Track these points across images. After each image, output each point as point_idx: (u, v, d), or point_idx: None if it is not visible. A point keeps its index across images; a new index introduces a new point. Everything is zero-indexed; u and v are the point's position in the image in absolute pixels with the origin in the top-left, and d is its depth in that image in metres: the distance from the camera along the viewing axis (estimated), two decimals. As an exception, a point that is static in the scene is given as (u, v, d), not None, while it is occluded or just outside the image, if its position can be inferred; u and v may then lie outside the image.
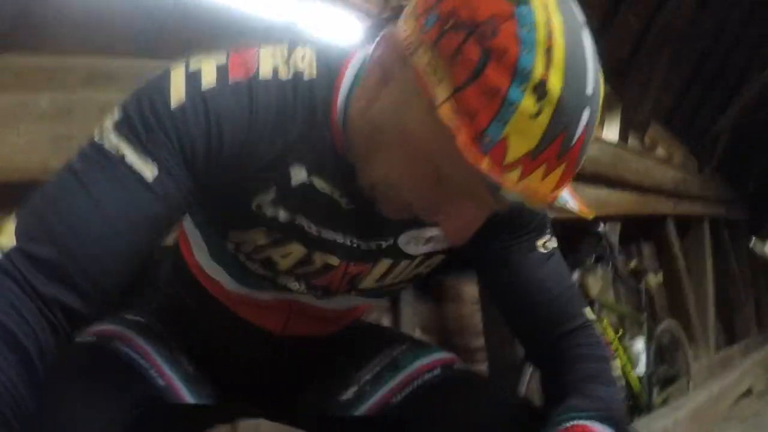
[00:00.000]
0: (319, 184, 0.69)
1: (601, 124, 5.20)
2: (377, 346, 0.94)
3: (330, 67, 0.68)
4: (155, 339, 0.83)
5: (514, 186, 0.55)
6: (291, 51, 0.68)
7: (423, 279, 0.88)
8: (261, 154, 0.66)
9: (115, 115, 0.63)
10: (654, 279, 3.13)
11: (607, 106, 5.06)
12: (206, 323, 0.89)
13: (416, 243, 0.78)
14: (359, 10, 3.67)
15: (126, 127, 0.61)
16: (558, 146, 0.55)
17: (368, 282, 0.81)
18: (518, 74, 0.52)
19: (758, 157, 6.91)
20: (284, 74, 0.66)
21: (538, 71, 0.52)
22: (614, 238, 3.74)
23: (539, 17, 0.52)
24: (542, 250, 0.83)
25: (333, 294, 0.82)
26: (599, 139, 3.75)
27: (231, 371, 0.91)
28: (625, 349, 2.88)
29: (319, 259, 0.75)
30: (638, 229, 4.40)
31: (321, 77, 0.67)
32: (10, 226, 0.57)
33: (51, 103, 1.61)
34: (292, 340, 0.89)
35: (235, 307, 0.85)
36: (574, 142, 0.56)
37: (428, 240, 0.79)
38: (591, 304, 2.54)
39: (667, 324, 3.51)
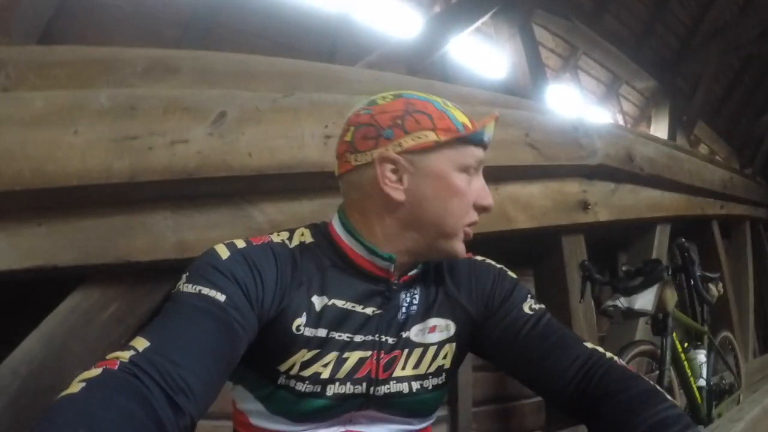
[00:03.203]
0: (339, 302, 0.94)
1: (649, 121, 5.09)
2: None
3: (320, 228, 1.02)
4: None
5: (478, 125, 0.95)
6: (292, 232, 1.00)
7: (450, 375, 1.03)
8: (289, 290, 0.91)
9: (183, 279, 0.86)
10: (716, 290, 2.96)
11: (655, 103, 4.95)
12: None
13: (423, 332, 0.99)
14: (413, 1, 3.59)
15: (195, 279, 0.84)
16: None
17: (399, 371, 0.97)
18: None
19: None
20: (291, 244, 0.97)
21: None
22: (665, 240, 3.64)
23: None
24: (530, 312, 1.02)
25: (378, 385, 0.95)
26: (655, 140, 3.59)
27: None
28: (690, 362, 2.73)
29: (352, 355, 0.93)
30: (684, 231, 4.25)
31: (316, 236, 1.00)
32: (141, 338, 0.75)
33: (111, 99, 1.46)
34: None
35: None
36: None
37: (432, 329, 1.00)
38: (665, 317, 2.39)
39: (724, 335, 3.37)
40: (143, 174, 1.46)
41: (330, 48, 3.00)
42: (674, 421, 0.83)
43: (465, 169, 0.94)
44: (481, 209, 0.97)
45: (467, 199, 0.95)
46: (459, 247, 0.97)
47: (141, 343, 0.73)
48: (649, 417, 0.83)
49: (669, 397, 0.87)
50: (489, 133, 0.97)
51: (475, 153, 0.95)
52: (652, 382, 0.91)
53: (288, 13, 2.89)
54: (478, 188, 0.97)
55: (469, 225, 0.97)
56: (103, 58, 1.58)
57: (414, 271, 1.01)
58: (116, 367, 0.69)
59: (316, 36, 2.92)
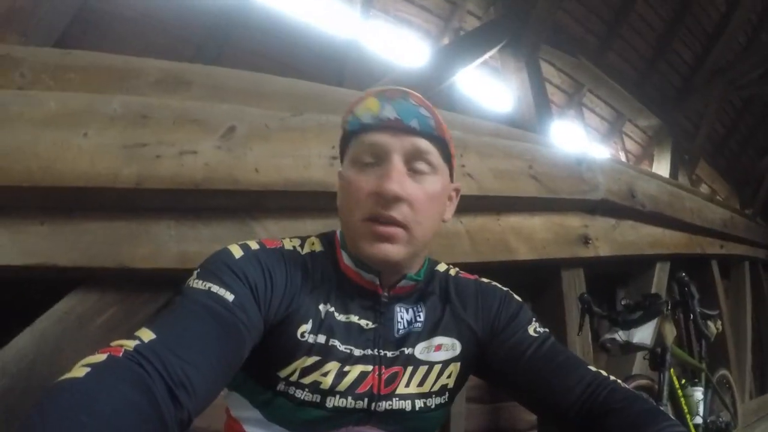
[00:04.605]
0: (341, 315, 0.94)
1: (651, 159, 5.14)
2: None
3: (328, 237, 1.03)
4: None
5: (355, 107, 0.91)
6: (303, 239, 1.01)
7: (452, 395, 1.02)
8: (298, 296, 0.91)
9: (194, 275, 0.85)
10: (714, 327, 2.95)
11: (658, 141, 5.00)
12: None
13: (429, 350, 0.98)
14: (420, 30, 3.64)
15: (206, 276, 0.84)
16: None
17: (403, 388, 0.95)
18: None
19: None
20: (302, 251, 0.98)
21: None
22: (664, 278, 3.64)
23: None
24: (534, 334, 1.02)
25: (379, 400, 0.93)
26: (657, 177, 3.61)
27: None
28: (687, 398, 2.70)
29: (354, 369, 0.92)
30: (684, 269, 4.25)
31: (325, 245, 1.01)
32: (147, 330, 0.73)
33: (123, 105, 1.47)
34: None
35: None
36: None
37: (438, 347, 0.99)
38: (663, 352, 2.38)
39: (722, 374, 3.35)
40: (150, 181, 1.46)
41: (339, 74, 3.04)
42: None
43: (356, 162, 0.91)
44: (376, 196, 0.87)
45: (359, 191, 0.89)
46: (366, 247, 0.90)
47: (147, 335, 0.72)
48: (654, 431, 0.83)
49: (671, 417, 0.87)
50: (371, 112, 0.89)
51: (367, 140, 0.90)
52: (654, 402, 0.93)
53: (299, 38, 2.94)
54: (377, 177, 0.89)
55: (372, 220, 0.88)
56: (118, 66, 1.60)
57: (406, 283, 0.99)
58: (121, 354, 0.68)
59: (325, 61, 2.97)
